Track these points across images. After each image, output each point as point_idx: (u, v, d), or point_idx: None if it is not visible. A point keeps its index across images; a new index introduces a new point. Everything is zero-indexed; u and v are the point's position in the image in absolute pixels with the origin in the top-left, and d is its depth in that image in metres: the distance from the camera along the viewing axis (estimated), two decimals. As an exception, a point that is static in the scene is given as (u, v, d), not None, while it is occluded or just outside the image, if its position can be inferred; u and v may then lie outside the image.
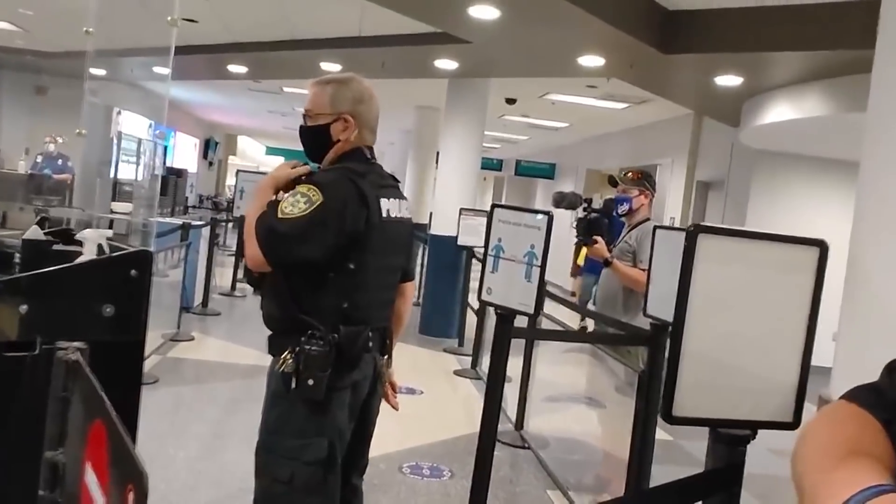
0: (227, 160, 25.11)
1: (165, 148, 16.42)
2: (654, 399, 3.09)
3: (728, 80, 6.60)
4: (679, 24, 5.81)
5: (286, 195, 2.06)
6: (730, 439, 1.50)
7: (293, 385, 2.02)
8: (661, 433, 3.35)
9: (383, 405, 2.34)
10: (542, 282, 2.86)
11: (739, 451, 1.49)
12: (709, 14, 5.67)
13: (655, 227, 3.33)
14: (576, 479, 4.57)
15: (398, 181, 2.31)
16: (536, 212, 2.99)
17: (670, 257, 3.08)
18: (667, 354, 2.96)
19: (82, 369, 1.54)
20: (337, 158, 2.18)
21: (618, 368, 4.57)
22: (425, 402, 5.73)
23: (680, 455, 4.92)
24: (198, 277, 8.19)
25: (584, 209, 4.24)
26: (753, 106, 7.06)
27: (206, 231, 8.50)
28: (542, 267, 2.84)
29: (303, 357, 2.01)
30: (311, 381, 2.01)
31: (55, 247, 2.24)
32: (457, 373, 6.80)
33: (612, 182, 4.15)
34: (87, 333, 1.71)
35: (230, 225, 12.37)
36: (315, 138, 2.21)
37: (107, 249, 2.26)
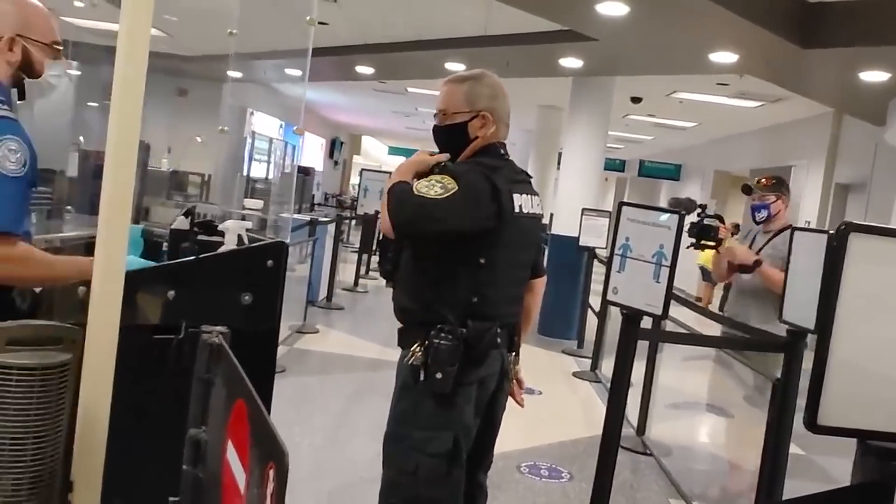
0: (352, 159, 25.82)
1: (294, 147, 17.05)
2: (788, 409, 2.94)
3: (874, 76, 6.21)
4: (820, 17, 5.52)
5: (421, 180, 2.07)
6: (881, 452, 1.40)
7: (421, 378, 2.05)
8: (793, 447, 3.18)
9: (508, 402, 2.34)
10: (670, 283, 2.78)
11: (892, 465, 1.39)
12: (853, 6, 5.35)
13: (793, 229, 3.17)
14: (700, 489, 4.41)
15: (531, 177, 2.29)
16: (666, 210, 2.90)
17: (810, 260, 2.93)
18: (805, 361, 2.82)
19: (225, 352, 1.61)
20: (472, 154, 2.18)
21: (746, 376, 4.38)
22: (544, 402, 5.69)
23: (814, 471, 4.68)
24: (323, 272, 8.45)
25: (699, 214, 4.10)
26: (902, 103, 6.62)
27: (331, 228, 8.75)
28: (672, 267, 2.75)
29: (432, 350, 2.03)
30: (438, 375, 2.02)
31: (199, 236, 2.38)
32: (576, 374, 6.72)
33: (746, 190, 4.03)
34: (227, 320, 1.80)
35: (353, 222, 12.70)
36: (452, 137, 2.19)
37: (246, 240, 2.37)
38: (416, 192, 2.01)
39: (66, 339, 1.58)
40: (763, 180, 3.95)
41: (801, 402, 3.07)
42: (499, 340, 2.14)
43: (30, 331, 1.54)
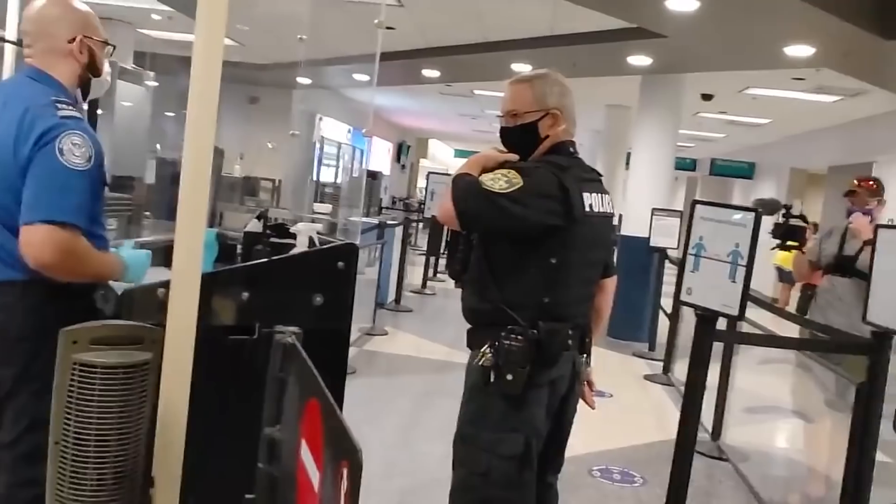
0: (419, 163, 25.98)
1: (363, 152, 17.27)
2: (873, 413, 2.82)
3: (962, 66, 5.93)
4: (903, 6, 5.29)
5: (486, 174, 2.07)
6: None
7: (491, 379, 2.03)
8: (879, 454, 3.05)
9: (579, 404, 2.31)
10: (747, 282, 2.70)
11: None
12: (940, -7, 5.12)
13: (878, 227, 3.05)
14: (780, 497, 4.28)
15: (601, 175, 2.26)
16: (742, 209, 2.82)
17: (896, 259, 2.82)
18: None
19: (298, 351, 1.64)
20: (543, 154, 2.16)
21: (828, 380, 4.22)
22: (615, 405, 5.61)
23: (901, 479, 4.49)
24: (391, 275, 8.52)
25: (784, 215, 4.04)
26: None
27: (399, 231, 8.82)
28: (749, 267, 2.68)
29: (502, 352, 2.01)
30: (509, 377, 2.01)
31: (272, 239, 2.42)
32: (647, 377, 6.60)
33: (850, 194, 4.04)
34: (299, 321, 1.83)
35: (420, 225, 12.80)
36: (523, 137, 2.17)
37: (317, 242, 2.40)
38: (481, 185, 2.00)
39: (146, 339, 1.63)
40: (869, 183, 4.02)
41: (888, 407, 2.94)
42: (570, 342, 2.11)
43: (112, 331, 1.59)
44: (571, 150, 2.18)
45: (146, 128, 7.86)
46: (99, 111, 6.14)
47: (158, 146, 9.23)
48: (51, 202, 1.88)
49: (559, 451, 2.29)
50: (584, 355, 2.23)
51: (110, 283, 2.08)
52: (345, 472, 1.16)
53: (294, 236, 2.31)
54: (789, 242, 3.98)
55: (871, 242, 3.47)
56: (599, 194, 2.18)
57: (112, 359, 1.55)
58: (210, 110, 1.78)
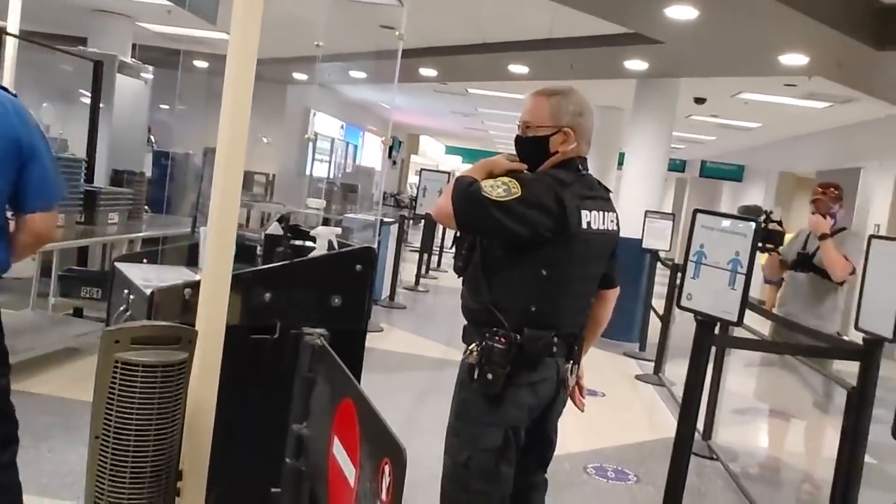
0: (409, 159, 26.02)
1: (356, 147, 17.29)
2: (865, 417, 2.93)
3: (951, 78, 6.06)
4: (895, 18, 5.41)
5: (488, 180, 2.13)
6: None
7: (475, 376, 2.13)
8: (866, 456, 3.16)
9: (568, 404, 2.38)
10: (746, 289, 2.80)
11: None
12: (931, 6, 5.25)
13: (871, 237, 3.16)
14: (769, 496, 4.39)
15: (609, 191, 2.30)
16: (742, 218, 2.92)
17: (888, 268, 2.92)
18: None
19: (328, 352, 1.72)
20: (550, 168, 2.23)
21: (815, 382, 4.36)
22: (607, 404, 5.71)
23: (887, 481, 4.62)
24: (386, 272, 8.59)
25: (764, 220, 4.27)
26: (981, 105, 6.44)
27: (394, 228, 8.88)
28: (748, 275, 2.77)
29: (486, 351, 2.11)
30: (489, 376, 2.10)
31: (292, 241, 2.49)
32: (638, 377, 6.71)
33: (814, 201, 4.30)
34: (319, 321, 1.91)
35: (412, 222, 12.85)
36: (533, 149, 2.23)
37: (336, 245, 2.48)
38: (480, 190, 2.07)
39: (183, 339, 1.70)
40: (831, 190, 4.27)
41: (877, 411, 3.05)
42: (555, 349, 2.18)
43: (152, 331, 1.66)
44: (580, 166, 2.22)
45: (145, 122, 7.87)
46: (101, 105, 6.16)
47: (153, 138, 9.22)
48: None
49: (542, 452, 2.36)
50: (571, 363, 2.28)
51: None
52: (386, 469, 1.24)
53: (314, 239, 2.39)
54: (768, 245, 4.28)
55: (826, 236, 4.05)
56: (603, 212, 2.21)
57: (152, 358, 1.62)
58: (243, 114, 1.85)
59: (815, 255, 4.19)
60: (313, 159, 14.88)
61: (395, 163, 23.21)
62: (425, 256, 10.95)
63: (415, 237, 14.11)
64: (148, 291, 2.05)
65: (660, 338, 6.71)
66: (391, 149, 21.98)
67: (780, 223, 4.38)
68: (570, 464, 4.22)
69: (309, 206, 10.52)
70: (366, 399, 1.43)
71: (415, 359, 6.41)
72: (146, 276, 2.29)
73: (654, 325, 7.19)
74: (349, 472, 1.44)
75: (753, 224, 2.82)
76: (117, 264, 2.50)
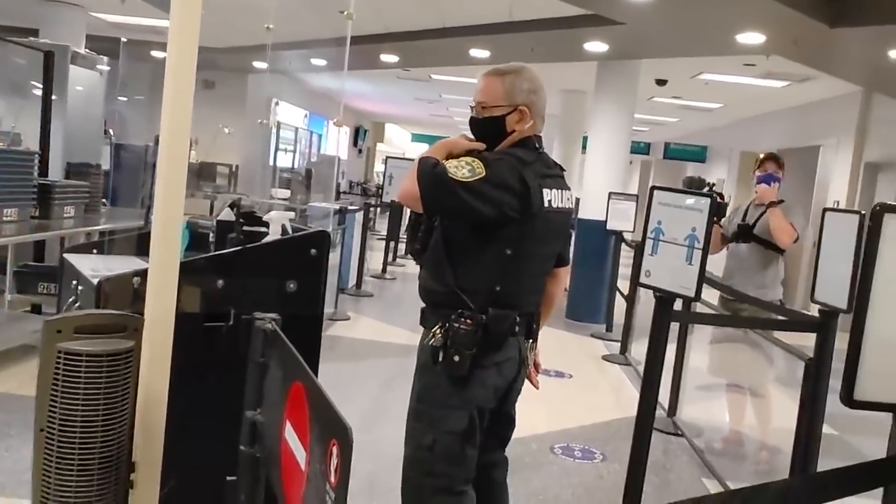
0: (375, 147, 25.90)
1: (320, 136, 17.15)
2: (822, 387, 2.97)
3: (904, 54, 6.15)
4: (848, -4, 5.47)
5: (451, 160, 2.11)
6: (917, 426, 1.44)
7: (440, 359, 2.12)
8: (825, 427, 3.21)
9: (526, 385, 2.39)
10: (703, 265, 2.81)
11: (928, 438, 1.44)
12: (882, -17, 5.31)
13: (825, 210, 3.20)
14: (733, 468, 4.45)
15: (563, 170, 2.32)
16: (698, 194, 2.93)
17: (842, 241, 2.95)
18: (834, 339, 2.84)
19: (280, 337, 1.69)
20: (507, 147, 2.22)
21: (776, 355, 4.42)
22: (574, 385, 5.75)
23: (846, 450, 4.70)
24: (352, 260, 8.55)
25: (707, 193, 4.34)
26: (933, 80, 6.55)
27: (359, 216, 8.83)
28: (705, 250, 2.79)
29: (451, 333, 2.10)
30: (456, 358, 2.10)
31: (245, 227, 2.45)
32: (605, 358, 6.75)
33: (759, 166, 4.44)
34: (274, 307, 1.88)
35: (379, 210, 12.79)
36: (489, 129, 2.22)
37: (289, 230, 2.44)
38: (446, 171, 2.05)
39: (129, 327, 1.66)
40: (776, 159, 4.40)
41: (834, 382, 3.10)
42: (517, 328, 2.19)
43: (96, 319, 1.62)
44: (536, 145, 2.23)
45: (101, 114, 7.71)
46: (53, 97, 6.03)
47: (111, 130, 9.05)
48: None
49: (503, 431, 2.37)
50: (531, 341, 2.30)
51: None
52: (334, 450, 1.23)
53: (266, 224, 2.35)
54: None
55: (774, 204, 4.14)
56: (560, 190, 2.23)
57: (96, 347, 1.58)
58: (185, 103, 1.82)
59: (755, 225, 4.29)
60: (276, 149, 14.73)
61: (360, 151, 23.09)
62: (392, 244, 10.92)
63: (381, 225, 14.06)
64: (95, 281, 2.00)
65: (625, 318, 6.77)
66: (356, 137, 21.88)
67: (721, 196, 4.44)
68: (536, 444, 4.24)
69: (274, 197, 10.39)
70: (314, 381, 1.41)
71: (382, 346, 6.38)
72: (95, 267, 2.23)
73: (620, 305, 7.24)
74: (300, 455, 1.42)
75: (709, 200, 2.83)
76: (66, 256, 2.44)
